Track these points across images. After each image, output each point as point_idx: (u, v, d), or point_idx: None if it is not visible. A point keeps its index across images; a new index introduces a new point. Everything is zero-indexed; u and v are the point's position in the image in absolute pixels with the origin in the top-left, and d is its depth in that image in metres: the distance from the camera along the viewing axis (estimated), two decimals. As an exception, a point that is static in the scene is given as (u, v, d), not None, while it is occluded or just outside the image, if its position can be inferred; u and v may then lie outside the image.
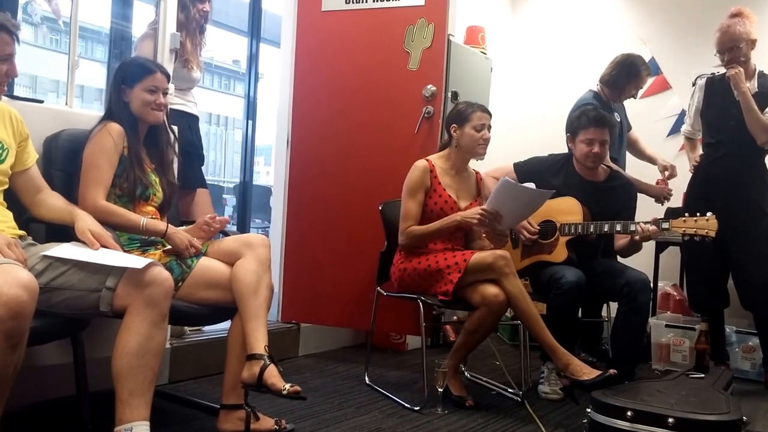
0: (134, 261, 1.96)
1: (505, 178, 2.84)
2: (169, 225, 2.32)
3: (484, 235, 3.04)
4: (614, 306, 3.16)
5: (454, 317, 4.32)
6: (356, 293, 3.53)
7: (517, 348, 3.62)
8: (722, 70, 3.46)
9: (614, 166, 3.45)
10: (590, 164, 3.18)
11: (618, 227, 3.00)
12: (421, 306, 2.89)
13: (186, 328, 3.14)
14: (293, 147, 3.74)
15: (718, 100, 3.50)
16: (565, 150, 3.33)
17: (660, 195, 3.80)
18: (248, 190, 5.05)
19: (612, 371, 2.64)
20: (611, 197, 3.23)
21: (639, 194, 3.44)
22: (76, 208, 2.17)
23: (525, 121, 5.08)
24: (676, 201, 3.89)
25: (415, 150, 3.38)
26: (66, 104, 2.72)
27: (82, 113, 2.67)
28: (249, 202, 5.11)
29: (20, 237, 2.05)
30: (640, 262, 3.32)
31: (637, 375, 3.10)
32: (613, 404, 2.32)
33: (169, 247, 2.28)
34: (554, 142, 3.59)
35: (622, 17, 4.97)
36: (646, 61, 3.92)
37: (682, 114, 4.27)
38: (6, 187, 2.11)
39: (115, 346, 1.91)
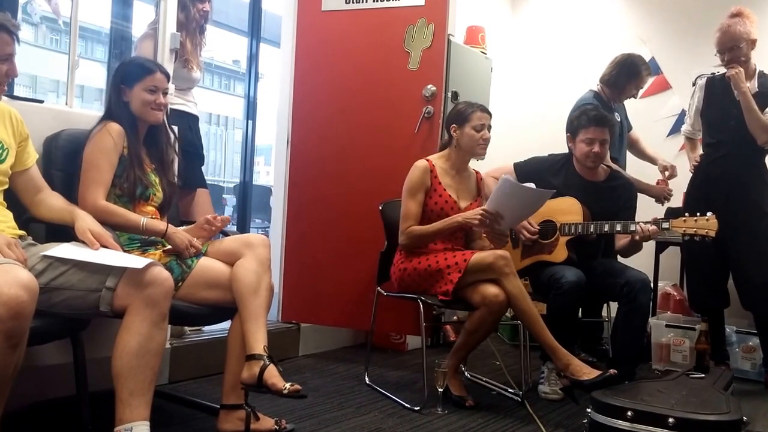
0: (134, 261, 1.96)
1: (506, 177, 2.83)
2: (169, 225, 2.31)
3: (484, 235, 3.04)
4: (614, 306, 3.16)
5: (454, 317, 4.32)
6: (356, 293, 3.53)
7: (517, 348, 3.62)
8: (722, 70, 3.45)
9: (614, 166, 3.45)
10: (590, 164, 3.18)
11: (618, 227, 3.00)
12: (421, 306, 2.89)
13: (186, 328, 3.14)
14: (293, 147, 3.74)
15: (718, 100, 3.50)
16: (565, 150, 3.33)
17: (660, 195, 3.80)
18: (248, 190, 5.06)
19: (612, 371, 2.64)
20: (611, 197, 3.23)
21: (639, 194, 3.44)
22: (76, 208, 2.17)
23: (525, 121, 5.08)
24: (677, 201, 3.89)
25: (415, 150, 3.38)
26: (66, 104, 2.72)
27: (82, 113, 2.67)
28: (249, 202, 5.11)
29: (20, 237, 2.05)
30: (641, 262, 3.32)
31: (637, 375, 3.10)
32: (613, 404, 2.32)
33: (169, 247, 2.28)
34: (554, 142, 3.59)
35: (622, 17, 4.97)
36: (647, 60, 3.92)
37: (682, 114, 4.27)
38: (6, 187, 2.11)
39: (115, 346, 1.91)
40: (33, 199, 2.19)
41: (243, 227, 4.99)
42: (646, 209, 3.53)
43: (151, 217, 2.34)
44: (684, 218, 2.88)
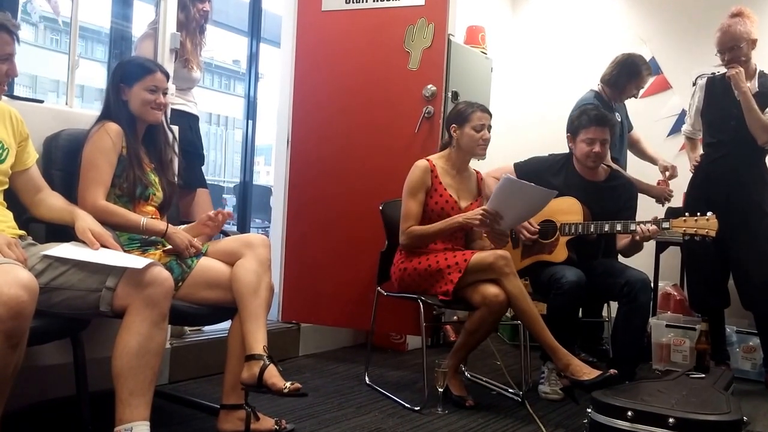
0: (134, 261, 1.96)
1: (507, 175, 2.83)
2: (169, 225, 2.31)
3: (484, 234, 3.03)
4: (614, 306, 3.16)
5: (455, 317, 4.32)
6: (356, 293, 3.53)
7: (517, 348, 3.62)
8: (723, 70, 3.45)
9: (615, 166, 3.44)
10: (591, 164, 3.18)
11: (618, 227, 3.00)
12: (422, 306, 2.89)
13: (186, 328, 3.14)
14: (293, 147, 3.74)
15: (718, 100, 3.50)
16: (566, 150, 3.33)
17: (661, 196, 3.80)
18: (248, 190, 5.05)
19: (612, 371, 2.64)
20: (612, 197, 3.22)
21: (640, 194, 3.44)
22: (76, 207, 2.17)
23: (525, 121, 5.08)
24: (677, 201, 3.89)
25: (415, 150, 3.38)
26: (66, 104, 2.72)
27: (82, 113, 2.66)
28: (249, 202, 5.11)
29: (20, 237, 2.05)
30: (641, 262, 3.32)
31: (637, 375, 3.10)
32: (613, 404, 2.32)
33: (169, 246, 2.28)
34: (554, 142, 3.59)
35: (622, 17, 4.97)
36: (647, 60, 3.92)
37: (683, 114, 4.27)
38: (6, 187, 2.11)
39: (115, 346, 1.90)
40: (33, 199, 2.18)
41: (243, 227, 4.99)
42: (647, 209, 3.53)
43: (151, 217, 2.34)
44: (684, 218, 2.88)
